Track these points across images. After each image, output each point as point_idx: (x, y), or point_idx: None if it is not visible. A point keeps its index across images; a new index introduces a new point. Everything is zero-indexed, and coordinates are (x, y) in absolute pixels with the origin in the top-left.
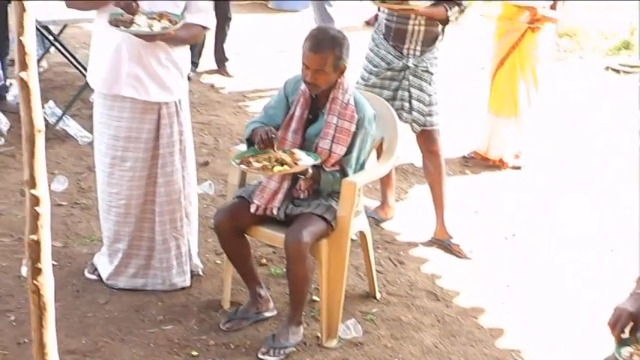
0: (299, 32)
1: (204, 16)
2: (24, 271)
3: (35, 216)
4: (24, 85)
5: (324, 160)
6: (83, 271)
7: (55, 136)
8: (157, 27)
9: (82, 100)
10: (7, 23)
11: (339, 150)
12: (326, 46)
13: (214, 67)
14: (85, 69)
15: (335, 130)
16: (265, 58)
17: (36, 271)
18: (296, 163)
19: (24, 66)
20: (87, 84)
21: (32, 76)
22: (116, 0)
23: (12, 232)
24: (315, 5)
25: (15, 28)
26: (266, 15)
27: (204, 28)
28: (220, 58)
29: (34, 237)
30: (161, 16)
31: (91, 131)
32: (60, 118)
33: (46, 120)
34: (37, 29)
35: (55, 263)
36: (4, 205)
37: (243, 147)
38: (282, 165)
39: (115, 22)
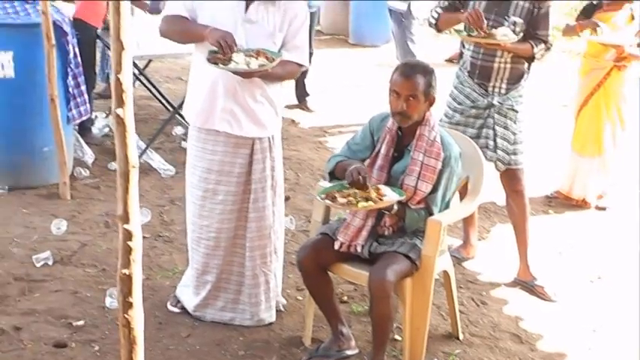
0: (380, 68)
1: (301, 53)
2: (108, 302)
3: (127, 250)
4: (120, 122)
5: (409, 198)
6: (166, 303)
7: (140, 168)
8: (254, 64)
9: (165, 133)
10: (95, 57)
11: (425, 187)
12: (417, 72)
13: (295, 101)
14: (169, 102)
15: (421, 168)
16: (346, 94)
17: (127, 305)
18: (381, 199)
19: (120, 103)
20: (171, 117)
21: (128, 113)
22: (216, 41)
23: (96, 263)
24: (397, 41)
25: (113, 65)
26: (347, 50)
27: (300, 65)
28: (301, 93)
29: (126, 271)
30: (258, 53)
31: (173, 164)
32: (143, 152)
33: None
34: None
35: None
36: (88, 236)
37: (324, 183)
38: (367, 201)
39: (213, 60)
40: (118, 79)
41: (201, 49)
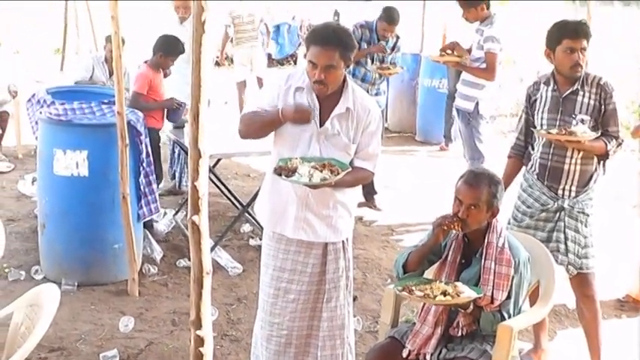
0: (447, 166)
1: (373, 161)
2: None
3: (199, 356)
4: (195, 229)
5: (485, 305)
6: None
7: None
8: (317, 178)
9: (233, 230)
10: (159, 156)
11: (501, 296)
12: (482, 182)
13: (362, 199)
14: (237, 200)
15: (494, 276)
16: (413, 191)
17: None
18: (458, 295)
19: (196, 209)
20: (239, 215)
21: (204, 220)
22: (293, 116)
23: None
24: (464, 141)
25: (190, 172)
26: (413, 147)
27: (372, 172)
28: (369, 191)
29: None
30: (323, 165)
31: (240, 262)
32: (212, 249)
33: None
34: None
35: None
36: (156, 334)
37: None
38: (444, 295)
39: (278, 171)
40: (194, 186)
41: (275, 155)
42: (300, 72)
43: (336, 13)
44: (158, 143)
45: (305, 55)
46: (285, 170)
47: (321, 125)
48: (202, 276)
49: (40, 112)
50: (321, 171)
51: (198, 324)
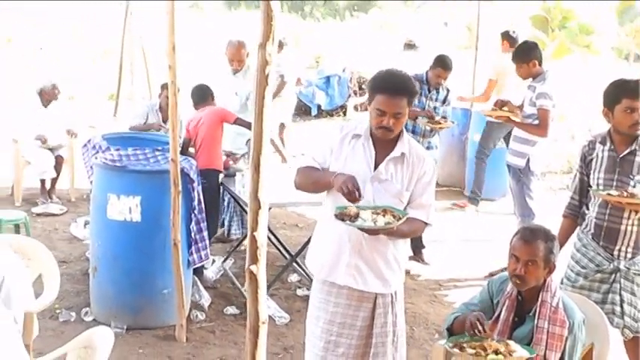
0: (496, 222)
1: (427, 211)
2: None
3: None
4: (253, 279)
5: None
6: None
7: None
8: (381, 222)
9: (280, 280)
10: (219, 204)
11: (554, 357)
12: (538, 238)
13: (410, 253)
14: (286, 249)
15: (547, 336)
16: (461, 246)
17: None
18: (510, 354)
19: (255, 259)
20: (288, 265)
21: (261, 270)
22: (339, 186)
23: None
24: (515, 197)
25: (249, 223)
26: (462, 202)
27: (426, 223)
28: (417, 244)
29: None
30: (385, 211)
31: (288, 312)
32: None
33: (245, 298)
34: (244, 210)
35: None
36: None
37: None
38: (496, 354)
39: (340, 216)
40: (253, 237)
41: (330, 203)
42: (354, 122)
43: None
44: (219, 189)
45: (366, 104)
46: (347, 216)
47: (375, 169)
48: (258, 325)
49: (96, 158)
50: (384, 216)
51: None
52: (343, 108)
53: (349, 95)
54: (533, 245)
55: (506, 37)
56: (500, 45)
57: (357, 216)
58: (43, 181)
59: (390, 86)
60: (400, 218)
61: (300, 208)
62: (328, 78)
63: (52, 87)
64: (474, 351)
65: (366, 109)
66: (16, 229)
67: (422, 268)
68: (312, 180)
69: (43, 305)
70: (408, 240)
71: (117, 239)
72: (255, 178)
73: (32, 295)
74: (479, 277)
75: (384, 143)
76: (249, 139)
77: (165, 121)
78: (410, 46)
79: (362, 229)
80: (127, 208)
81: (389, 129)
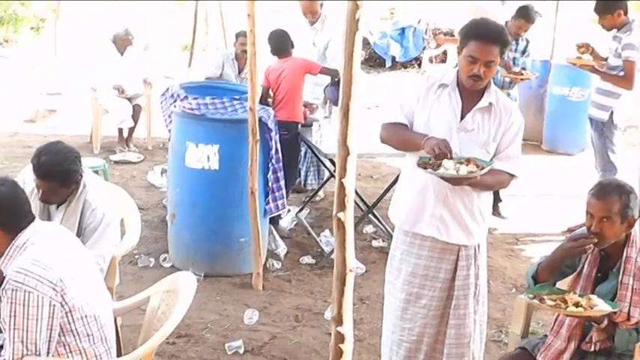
0: (574, 177)
1: (514, 163)
2: None
3: (339, 353)
4: (340, 226)
5: (621, 322)
6: None
7: (331, 264)
8: (463, 170)
9: (356, 231)
10: (298, 155)
11: (638, 314)
12: (611, 193)
13: None
14: (363, 200)
15: (632, 292)
16: (538, 201)
17: None
18: (592, 308)
19: (342, 207)
20: (363, 216)
21: (349, 218)
22: (431, 148)
23: (286, 356)
24: (596, 151)
25: (337, 170)
26: (539, 156)
27: (512, 175)
28: (494, 198)
29: None
30: (468, 161)
31: (363, 263)
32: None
33: (321, 248)
34: (320, 160)
35: None
36: (278, 329)
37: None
38: (577, 306)
39: (423, 165)
40: (341, 184)
41: (413, 155)
42: (440, 72)
43: None
44: (298, 141)
45: (441, 57)
46: (429, 165)
47: (461, 120)
48: (346, 273)
49: (174, 106)
50: (467, 165)
51: (339, 320)
52: (418, 60)
53: (424, 47)
54: (606, 201)
55: None
56: None
57: (439, 165)
58: (120, 130)
59: (484, 33)
60: (484, 168)
61: (375, 160)
62: (403, 29)
63: (125, 33)
64: (553, 303)
65: (442, 62)
66: None
67: (499, 222)
68: (401, 139)
69: (125, 250)
70: (492, 192)
71: (195, 187)
72: (344, 124)
73: (119, 239)
74: (557, 232)
75: (470, 93)
76: (326, 87)
77: (241, 70)
78: None
79: (444, 178)
80: (205, 156)
81: (479, 77)
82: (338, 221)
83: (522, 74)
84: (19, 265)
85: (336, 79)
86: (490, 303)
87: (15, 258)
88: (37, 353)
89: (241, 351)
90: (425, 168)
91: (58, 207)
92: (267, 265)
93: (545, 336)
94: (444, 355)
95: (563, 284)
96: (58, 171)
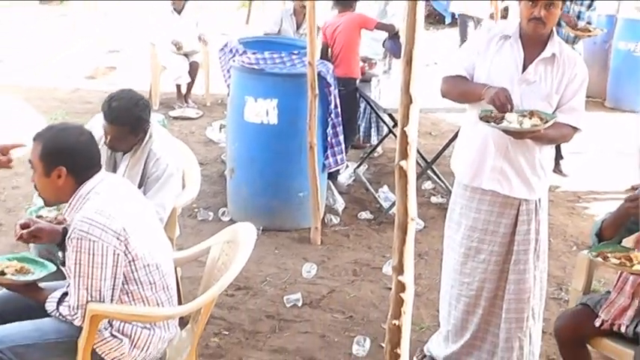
0: (638, 135)
1: (577, 116)
2: (355, 349)
3: (399, 302)
4: (402, 174)
5: None
6: (412, 357)
7: (389, 220)
8: (527, 124)
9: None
10: (357, 111)
11: None
12: None
13: None
14: (422, 157)
15: None
16: (601, 159)
17: (393, 356)
18: None
19: (404, 155)
20: (422, 172)
21: (411, 166)
22: (491, 98)
23: (344, 309)
24: None
25: (400, 118)
26: (603, 114)
27: (575, 129)
28: (555, 155)
29: (397, 322)
30: (532, 114)
31: (422, 218)
32: (393, 203)
33: (379, 204)
34: (379, 116)
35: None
36: (337, 282)
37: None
38: None
39: (485, 118)
40: (403, 132)
41: (474, 108)
42: (503, 24)
43: None
44: (356, 97)
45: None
46: (492, 118)
47: (523, 71)
48: (407, 222)
49: (234, 61)
50: (530, 119)
51: (400, 270)
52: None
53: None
54: None
55: None
56: None
57: (502, 118)
58: (178, 86)
59: None
60: (547, 121)
61: (433, 117)
62: None
63: None
64: (618, 261)
65: (503, 18)
66: None
67: (560, 180)
68: (461, 90)
69: (184, 202)
70: (554, 147)
71: (253, 141)
72: (407, 72)
73: (180, 191)
74: (620, 190)
75: (533, 44)
76: (384, 41)
77: (299, 26)
78: None
79: (507, 132)
80: (264, 110)
81: (541, 20)
82: (400, 170)
83: (589, 30)
84: (84, 214)
85: (394, 33)
86: (550, 260)
87: (79, 207)
88: (102, 300)
89: (300, 304)
90: (487, 122)
91: (123, 155)
92: (326, 220)
93: (608, 292)
94: (502, 310)
95: (628, 242)
96: (129, 116)
